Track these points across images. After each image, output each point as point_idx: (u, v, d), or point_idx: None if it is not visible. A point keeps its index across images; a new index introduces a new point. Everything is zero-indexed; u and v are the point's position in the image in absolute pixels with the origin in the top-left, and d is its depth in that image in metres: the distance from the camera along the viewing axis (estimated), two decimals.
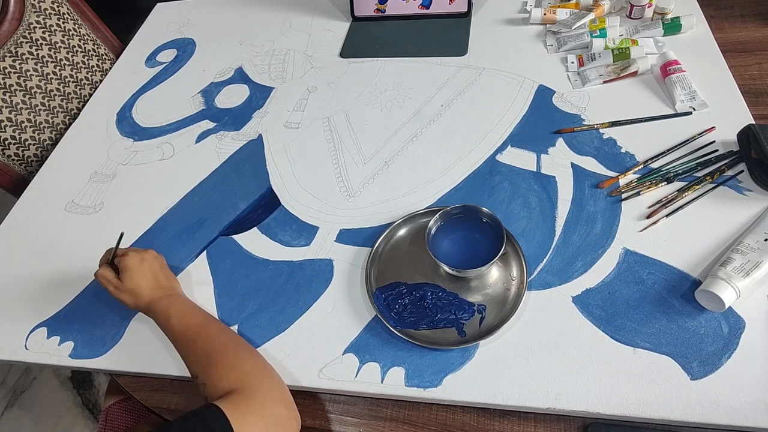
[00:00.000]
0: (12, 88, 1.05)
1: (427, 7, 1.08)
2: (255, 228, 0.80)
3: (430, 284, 0.68)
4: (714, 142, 0.75)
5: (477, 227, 0.68)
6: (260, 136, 0.94)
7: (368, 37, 1.08)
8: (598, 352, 0.60)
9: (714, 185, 0.71)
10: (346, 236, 0.76)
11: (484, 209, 0.67)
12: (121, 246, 0.73)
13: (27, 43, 1.08)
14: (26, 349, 0.73)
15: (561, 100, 0.87)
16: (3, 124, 1.03)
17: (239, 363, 0.58)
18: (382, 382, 0.62)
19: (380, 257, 0.72)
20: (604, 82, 0.87)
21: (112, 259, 0.71)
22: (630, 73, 0.86)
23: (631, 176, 0.74)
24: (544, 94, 0.88)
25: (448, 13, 1.07)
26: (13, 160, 1.06)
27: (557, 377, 0.59)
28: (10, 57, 1.05)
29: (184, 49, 1.17)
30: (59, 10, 1.15)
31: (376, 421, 0.63)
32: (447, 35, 1.04)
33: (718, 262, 0.62)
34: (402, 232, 0.75)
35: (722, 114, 0.78)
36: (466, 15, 1.06)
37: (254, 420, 0.51)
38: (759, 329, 0.58)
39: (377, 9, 1.10)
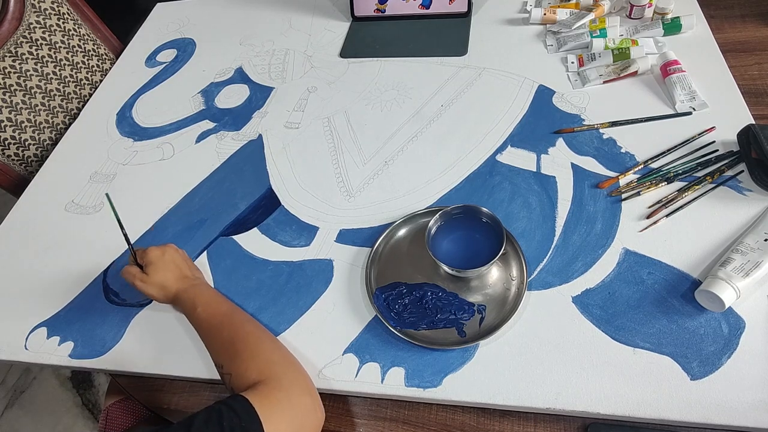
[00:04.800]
0: (12, 88, 1.05)
1: (427, 7, 1.08)
2: (255, 228, 0.80)
3: (430, 284, 0.68)
4: (714, 142, 0.75)
5: (477, 227, 0.68)
6: (260, 136, 0.94)
7: (368, 37, 1.08)
8: (598, 352, 0.60)
9: (714, 185, 0.71)
10: (346, 236, 0.76)
11: (484, 209, 0.67)
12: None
13: (27, 43, 1.08)
14: (26, 349, 0.73)
15: (561, 100, 0.87)
16: (3, 124, 1.03)
17: (263, 352, 0.58)
18: (382, 382, 0.62)
19: (380, 257, 0.72)
20: (604, 82, 0.87)
21: (135, 257, 0.72)
22: (630, 73, 0.86)
23: (631, 176, 0.74)
24: (544, 94, 0.88)
25: (448, 13, 1.07)
26: (13, 160, 1.06)
27: (557, 377, 0.59)
28: (10, 57, 1.05)
29: (184, 49, 1.17)
30: (59, 10, 1.15)
31: (376, 421, 0.63)
32: (447, 35, 1.04)
33: (718, 262, 0.62)
34: (402, 232, 0.75)
35: (722, 114, 0.78)
36: (466, 15, 1.06)
37: (281, 411, 0.52)
38: (759, 329, 0.58)
39: (377, 9, 1.10)
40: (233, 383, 0.57)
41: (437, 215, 0.68)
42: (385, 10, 1.10)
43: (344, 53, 1.05)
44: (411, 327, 0.65)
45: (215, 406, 0.50)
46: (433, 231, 0.67)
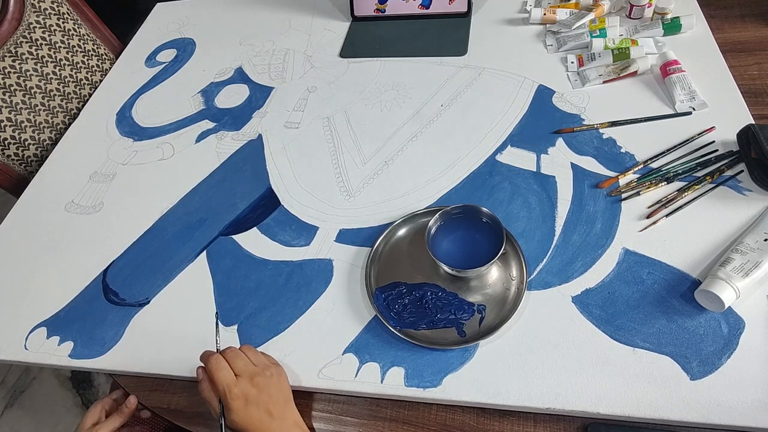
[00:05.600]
0: (12, 88, 1.05)
1: (427, 7, 1.08)
2: (255, 228, 0.80)
3: (430, 284, 0.68)
4: (714, 142, 0.75)
5: (477, 227, 0.68)
6: (260, 136, 0.94)
7: (368, 37, 1.08)
8: (597, 352, 0.60)
9: (714, 185, 0.71)
10: (345, 236, 0.76)
11: (484, 209, 0.67)
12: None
13: (27, 43, 1.08)
14: (26, 349, 0.73)
15: (561, 100, 0.87)
16: (3, 124, 1.03)
17: None
18: (381, 382, 0.62)
19: (380, 257, 0.72)
20: (604, 82, 0.87)
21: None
22: (630, 73, 0.86)
23: (630, 176, 0.74)
24: (543, 94, 0.88)
25: (448, 13, 1.07)
26: (13, 160, 1.06)
27: (557, 377, 0.59)
28: (9, 57, 1.05)
29: (184, 49, 1.17)
30: (59, 10, 1.15)
31: (376, 422, 0.63)
32: (447, 35, 1.04)
33: (718, 262, 0.62)
34: (402, 231, 0.75)
35: (722, 114, 0.78)
36: (466, 15, 1.06)
37: None
38: (759, 329, 0.58)
39: (377, 9, 1.10)
40: None
41: (437, 215, 0.68)
42: (385, 10, 1.10)
43: (344, 53, 1.05)
44: (411, 327, 0.65)
45: None
46: (432, 231, 0.67)
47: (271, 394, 0.57)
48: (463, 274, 0.66)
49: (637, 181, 0.73)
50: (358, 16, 1.12)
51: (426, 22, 1.08)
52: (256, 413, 0.55)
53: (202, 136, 0.96)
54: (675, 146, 0.76)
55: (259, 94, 1.02)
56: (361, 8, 1.11)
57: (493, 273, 0.68)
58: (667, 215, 0.69)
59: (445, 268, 0.65)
